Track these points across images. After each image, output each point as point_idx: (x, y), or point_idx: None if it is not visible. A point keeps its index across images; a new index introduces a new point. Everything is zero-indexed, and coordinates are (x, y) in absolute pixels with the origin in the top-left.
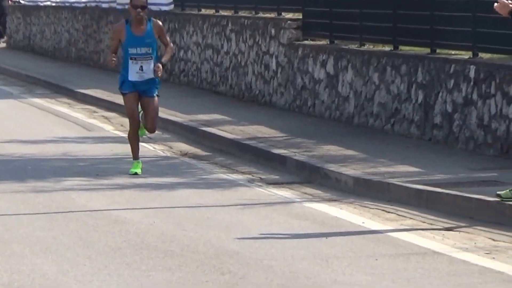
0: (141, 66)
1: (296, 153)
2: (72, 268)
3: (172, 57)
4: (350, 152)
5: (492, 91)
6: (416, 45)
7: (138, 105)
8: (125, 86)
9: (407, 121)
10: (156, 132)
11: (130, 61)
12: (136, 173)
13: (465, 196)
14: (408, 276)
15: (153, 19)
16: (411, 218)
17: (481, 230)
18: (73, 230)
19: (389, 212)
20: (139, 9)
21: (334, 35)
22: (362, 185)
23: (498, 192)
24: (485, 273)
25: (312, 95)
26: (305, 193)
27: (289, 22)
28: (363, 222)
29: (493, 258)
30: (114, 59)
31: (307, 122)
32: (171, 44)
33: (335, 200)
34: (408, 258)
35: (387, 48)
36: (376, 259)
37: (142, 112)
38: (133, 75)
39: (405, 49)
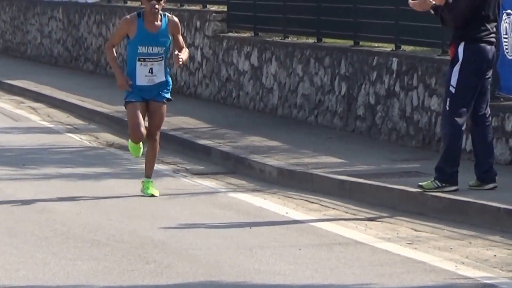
0: (151, 68)
1: (221, 144)
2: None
3: (188, 60)
4: (274, 143)
5: (414, 83)
6: (339, 38)
7: (144, 117)
8: (132, 93)
9: (330, 112)
10: (82, 122)
11: (137, 63)
12: (153, 195)
13: (388, 187)
14: (331, 266)
15: (168, 14)
16: (334, 209)
17: (403, 220)
18: (0, 219)
19: (312, 202)
20: (154, 1)
21: (258, 28)
22: (286, 175)
23: (420, 183)
24: (407, 263)
25: (236, 87)
26: (230, 184)
27: (214, 14)
28: (286, 213)
29: (415, 248)
30: (130, 82)
31: (231, 113)
32: (186, 49)
33: (259, 191)
34: (331, 248)
35: (311, 40)
36: (300, 249)
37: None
38: (142, 79)
39: (328, 41)
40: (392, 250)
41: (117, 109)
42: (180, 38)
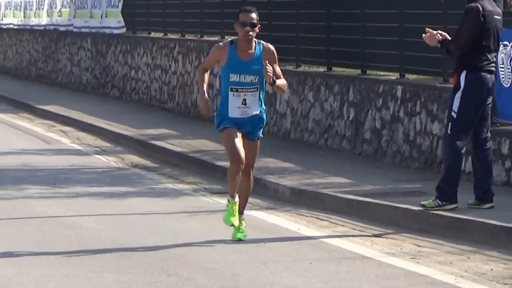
0: (244, 100)
1: None
2: (31, 269)
3: (283, 92)
4: (287, 165)
5: (418, 109)
6: (348, 67)
7: (241, 141)
8: (225, 120)
9: (339, 136)
10: (109, 145)
11: (230, 93)
12: (233, 225)
13: (392, 206)
14: (340, 279)
15: (263, 42)
16: (342, 225)
17: (407, 236)
18: (32, 234)
19: (322, 219)
20: (247, 28)
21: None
22: (298, 195)
23: (422, 202)
24: (410, 276)
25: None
26: (248, 202)
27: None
28: (298, 229)
29: (418, 262)
30: (209, 102)
31: None
32: (284, 79)
33: (273, 209)
34: (339, 262)
35: (321, 69)
36: (311, 263)
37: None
38: (234, 111)
39: (338, 70)
40: (396, 264)
41: (141, 133)
42: (277, 67)
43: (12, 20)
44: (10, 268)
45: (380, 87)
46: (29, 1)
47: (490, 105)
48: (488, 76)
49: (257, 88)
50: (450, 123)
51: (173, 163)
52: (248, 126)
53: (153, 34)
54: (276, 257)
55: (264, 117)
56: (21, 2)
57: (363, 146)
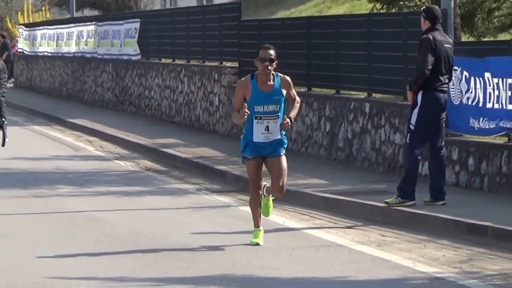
0: (267, 126)
1: (233, 169)
2: (63, 256)
3: (299, 112)
4: None
5: (382, 122)
6: (324, 87)
7: (261, 172)
8: (248, 150)
9: (317, 145)
10: (127, 152)
11: (254, 121)
12: (257, 244)
13: (361, 202)
14: (318, 263)
15: (280, 74)
16: (320, 219)
17: (373, 228)
18: (63, 226)
19: (303, 214)
20: (267, 63)
21: None
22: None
23: (386, 200)
24: (376, 261)
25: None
26: (240, 199)
27: (228, 69)
28: (283, 222)
29: (382, 249)
30: (247, 111)
31: None
32: (298, 98)
33: None
34: (318, 249)
35: (303, 89)
36: (293, 250)
37: (265, 185)
38: (258, 136)
39: (316, 90)
40: (365, 251)
41: (153, 142)
42: (293, 92)
43: (47, 48)
44: (45, 254)
45: (351, 104)
46: (61, 33)
47: (444, 119)
48: (441, 95)
49: (278, 115)
50: (409, 134)
51: (179, 167)
52: (269, 148)
53: (163, 60)
54: (265, 245)
55: (285, 140)
56: (54, 34)
57: (337, 153)
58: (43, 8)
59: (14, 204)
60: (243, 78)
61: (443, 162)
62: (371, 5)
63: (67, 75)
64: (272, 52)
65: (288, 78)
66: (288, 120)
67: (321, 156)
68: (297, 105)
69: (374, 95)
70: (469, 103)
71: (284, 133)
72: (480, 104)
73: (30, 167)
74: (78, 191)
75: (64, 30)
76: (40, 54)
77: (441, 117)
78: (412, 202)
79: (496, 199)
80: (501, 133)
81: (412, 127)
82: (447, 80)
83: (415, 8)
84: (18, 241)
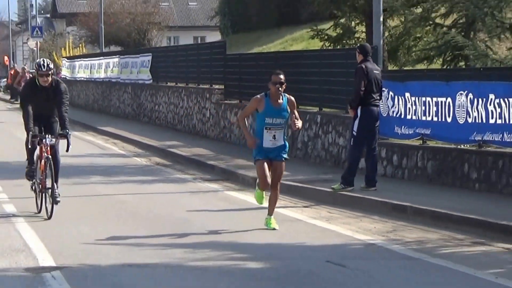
0: (274, 135)
1: (220, 163)
2: (95, 227)
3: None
4: (251, 164)
5: (330, 129)
6: None
7: (269, 170)
8: (259, 153)
9: None
10: (142, 151)
11: (265, 131)
12: (274, 229)
13: (314, 188)
14: (282, 233)
15: (287, 94)
16: (284, 201)
17: (324, 207)
18: (94, 206)
19: None
20: (278, 85)
21: (242, 98)
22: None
23: (332, 186)
24: (325, 231)
25: (229, 131)
26: (226, 186)
27: (216, 90)
28: (256, 203)
29: (330, 223)
30: (258, 141)
31: (227, 147)
32: (298, 115)
33: (242, 190)
34: (282, 223)
35: None
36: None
37: (258, 181)
38: (267, 143)
39: None
40: (317, 224)
41: (161, 143)
42: (296, 112)
43: (83, 75)
44: (84, 226)
45: (307, 116)
46: (93, 63)
47: (378, 127)
48: (375, 108)
49: (283, 127)
50: (352, 139)
51: (180, 162)
52: (275, 152)
53: (168, 84)
54: (245, 220)
55: (287, 144)
56: (88, 64)
57: (296, 152)
58: (80, 45)
59: (60, 190)
60: (258, 96)
61: (376, 159)
62: (322, 43)
63: (98, 94)
64: (282, 77)
65: (293, 98)
66: (298, 121)
67: None
68: (298, 122)
69: (324, 109)
70: (394, 115)
71: (286, 138)
72: (402, 116)
73: (72, 162)
74: (105, 179)
75: (95, 61)
76: (78, 79)
77: (376, 125)
78: (352, 188)
79: (413, 186)
80: (417, 137)
81: (354, 133)
82: (378, 98)
83: (353, 45)
84: (64, 216)
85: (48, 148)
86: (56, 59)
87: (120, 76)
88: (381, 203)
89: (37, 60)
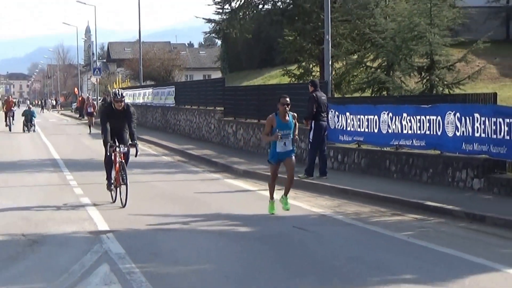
0: (285, 142)
1: (221, 160)
2: (138, 203)
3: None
4: (242, 160)
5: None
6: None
7: (278, 171)
8: (274, 158)
9: (255, 146)
10: (167, 152)
11: (277, 141)
12: (272, 213)
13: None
14: (263, 207)
15: (291, 112)
16: (261, 185)
17: (292, 190)
18: (136, 190)
19: (256, 183)
20: (285, 106)
21: (236, 115)
22: (247, 173)
23: (299, 175)
24: (293, 206)
25: (227, 138)
26: (225, 175)
27: (218, 110)
28: (246, 187)
29: (296, 200)
30: (279, 135)
31: (226, 149)
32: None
33: (236, 178)
34: (264, 200)
35: (254, 120)
36: (248, 201)
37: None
38: (280, 148)
39: (263, 121)
40: (278, 198)
41: (181, 147)
42: (297, 124)
43: (128, 100)
44: (129, 202)
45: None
46: (135, 93)
47: (326, 135)
48: (323, 123)
49: (290, 136)
50: (309, 144)
51: (194, 159)
52: (286, 155)
53: (186, 106)
54: (237, 199)
55: (294, 149)
56: (131, 93)
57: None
58: (126, 80)
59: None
60: (270, 116)
61: (325, 158)
62: (289, 79)
63: (138, 114)
64: (288, 99)
65: (295, 114)
66: (296, 137)
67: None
68: (296, 129)
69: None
70: (338, 127)
71: (295, 145)
72: (344, 128)
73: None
74: (142, 171)
75: (136, 91)
76: (138, 104)
77: (325, 134)
78: (312, 177)
79: (352, 176)
80: (354, 143)
81: (310, 140)
82: (325, 116)
83: (308, 80)
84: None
85: (122, 155)
86: (110, 90)
87: (153, 102)
88: (331, 187)
89: (114, 90)
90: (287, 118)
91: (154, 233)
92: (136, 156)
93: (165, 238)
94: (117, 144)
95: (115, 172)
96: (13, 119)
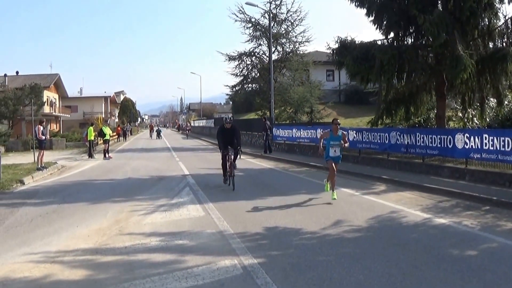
0: (335, 150)
1: (252, 151)
2: (201, 164)
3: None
4: (258, 154)
5: (264, 138)
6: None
7: (334, 164)
8: (328, 156)
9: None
10: (209, 143)
11: (330, 148)
12: (334, 198)
13: (257, 154)
14: (251, 163)
15: (341, 130)
16: (250, 155)
17: (259, 159)
18: (197, 159)
19: (270, 160)
20: (337, 125)
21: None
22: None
23: (261, 153)
24: (259, 164)
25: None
26: (257, 158)
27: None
28: (265, 165)
29: (261, 163)
30: (322, 148)
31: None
32: (347, 140)
33: (259, 159)
34: (248, 163)
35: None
36: (261, 172)
37: (328, 181)
38: (332, 154)
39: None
40: (256, 162)
41: (213, 142)
42: (346, 138)
43: (196, 125)
44: (196, 164)
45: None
46: (199, 122)
47: (270, 137)
48: (269, 134)
49: (340, 145)
50: (265, 142)
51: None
52: (336, 159)
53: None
54: (251, 165)
55: (341, 156)
56: (198, 122)
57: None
58: (195, 116)
59: (188, 155)
60: (326, 130)
61: (271, 146)
62: (257, 116)
63: (206, 130)
64: (339, 121)
65: (344, 132)
66: (345, 145)
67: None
68: (346, 144)
69: (259, 133)
70: (276, 134)
71: (341, 152)
72: (279, 135)
73: (192, 146)
74: (201, 150)
75: (200, 121)
76: (197, 125)
77: (269, 136)
78: (266, 154)
79: (281, 153)
80: (283, 140)
81: (264, 139)
82: (269, 132)
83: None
84: (192, 164)
85: (232, 158)
86: (188, 121)
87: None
88: (277, 159)
89: (224, 116)
90: (338, 133)
91: (208, 177)
92: (240, 157)
93: (216, 179)
94: (228, 150)
95: (228, 167)
96: (152, 133)
